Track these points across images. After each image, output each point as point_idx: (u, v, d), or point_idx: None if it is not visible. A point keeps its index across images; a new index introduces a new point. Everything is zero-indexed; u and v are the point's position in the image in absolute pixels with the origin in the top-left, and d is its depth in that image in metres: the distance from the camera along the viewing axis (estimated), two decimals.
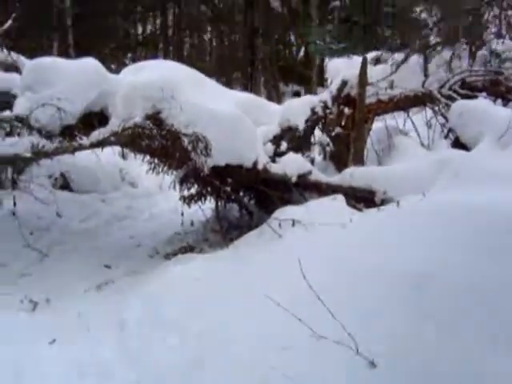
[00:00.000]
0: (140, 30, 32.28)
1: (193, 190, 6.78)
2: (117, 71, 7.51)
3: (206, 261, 5.34)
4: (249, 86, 17.07)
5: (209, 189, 6.73)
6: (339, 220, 4.99)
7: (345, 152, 7.28)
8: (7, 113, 5.84)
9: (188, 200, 6.85)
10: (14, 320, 4.86)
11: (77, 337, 4.47)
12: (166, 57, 25.60)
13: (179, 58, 22.52)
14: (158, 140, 5.77)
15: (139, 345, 4.15)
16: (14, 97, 6.13)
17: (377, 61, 7.61)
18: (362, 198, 6.42)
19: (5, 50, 8.60)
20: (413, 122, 8.25)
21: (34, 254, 6.56)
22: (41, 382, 3.79)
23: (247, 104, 6.89)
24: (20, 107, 5.77)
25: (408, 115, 8.32)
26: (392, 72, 7.80)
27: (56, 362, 4.10)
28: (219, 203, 6.92)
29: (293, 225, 5.27)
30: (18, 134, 5.81)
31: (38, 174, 8.44)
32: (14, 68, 8.15)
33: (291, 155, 6.67)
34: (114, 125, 5.84)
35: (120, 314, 4.66)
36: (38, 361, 4.10)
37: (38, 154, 5.77)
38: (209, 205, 7.17)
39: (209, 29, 33.05)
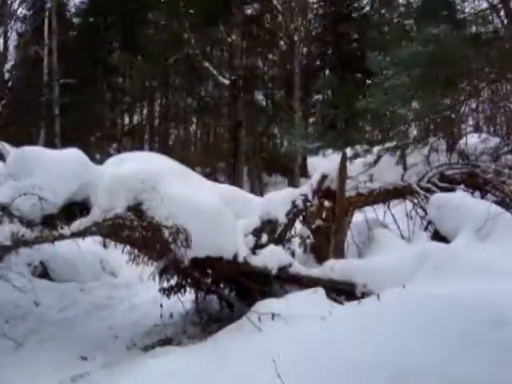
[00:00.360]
0: (126, 119, 32.83)
1: (172, 282, 6.74)
2: (101, 161, 7.60)
3: (184, 354, 5.26)
4: (232, 176, 17.27)
5: (189, 280, 6.70)
6: (319, 313, 4.98)
7: (325, 244, 7.31)
8: None
9: (167, 291, 6.81)
10: None
11: None
12: (151, 147, 26.00)
13: (164, 148, 22.85)
14: (139, 231, 5.79)
15: None
16: None
17: (355, 155, 7.76)
18: (342, 291, 6.40)
19: None
20: (392, 215, 8.36)
21: (9, 343, 6.41)
22: None
23: (229, 196, 6.97)
24: (2, 195, 5.79)
25: (388, 207, 8.43)
26: (371, 166, 7.95)
27: None
28: (199, 295, 6.89)
29: (272, 318, 5.23)
30: None
31: (16, 262, 8.34)
32: None
33: (272, 247, 6.69)
34: (96, 215, 5.87)
35: None
36: None
37: (18, 243, 5.75)
38: (189, 296, 7.11)
39: (194, 120, 33.71)
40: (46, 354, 6.29)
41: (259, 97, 28.72)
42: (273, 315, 5.25)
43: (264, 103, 29.26)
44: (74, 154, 6.30)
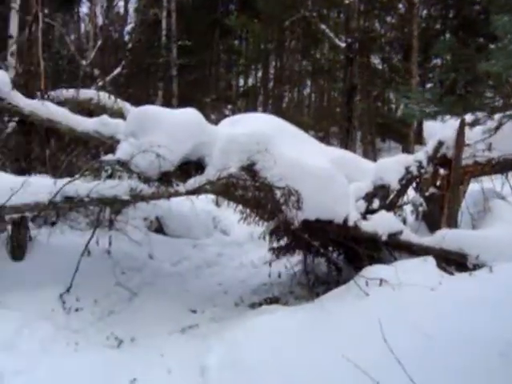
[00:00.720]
0: (241, 81, 33.12)
1: (282, 242, 6.83)
2: (216, 121, 7.73)
3: (290, 313, 5.32)
4: (345, 141, 17.05)
5: (298, 242, 6.76)
6: (428, 282, 4.88)
7: (438, 213, 7.11)
8: (110, 156, 6.12)
9: (277, 252, 6.91)
10: (98, 356, 5.02)
11: (157, 378, 4.55)
12: (264, 109, 26.09)
13: (278, 110, 22.87)
14: (252, 191, 5.89)
15: None
16: (118, 142, 6.42)
17: (474, 122, 7.42)
18: (453, 261, 6.24)
19: (112, 97, 9.06)
20: (511, 186, 8.00)
21: (124, 293, 6.75)
22: None
23: (341, 160, 6.91)
24: (122, 152, 6.03)
25: (506, 178, 8.06)
26: (490, 134, 7.60)
27: None
28: (307, 257, 6.92)
29: (380, 284, 5.19)
30: (119, 177, 6.05)
31: (134, 216, 8.75)
32: (119, 114, 8.56)
33: (383, 213, 6.60)
34: (210, 174, 6.00)
35: (202, 359, 4.72)
36: None
37: (136, 198, 6.00)
38: (297, 258, 7.19)
39: (308, 83, 33.52)
40: (158, 305, 6.61)
41: (375, 60, 28.04)
42: (380, 281, 5.20)
43: (380, 67, 28.58)
44: (190, 114, 6.42)
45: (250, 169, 5.96)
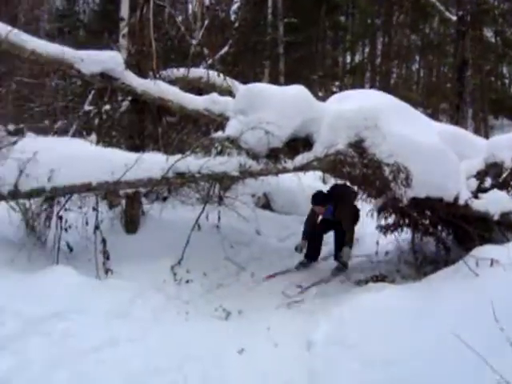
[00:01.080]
0: (348, 58, 32.74)
1: (390, 220, 6.76)
2: (324, 98, 7.72)
3: (398, 291, 5.28)
4: (455, 117, 16.52)
5: (406, 220, 6.69)
6: None
7: None
8: (220, 133, 6.26)
9: (384, 229, 6.87)
10: (207, 326, 5.20)
11: (264, 350, 4.65)
12: (372, 86, 25.73)
13: (385, 87, 22.48)
14: (359, 168, 5.85)
15: (324, 366, 4.21)
16: (227, 119, 6.55)
17: None
18: None
19: (221, 75, 9.22)
20: None
21: (232, 267, 6.92)
22: None
23: (452, 136, 6.72)
24: (231, 129, 6.16)
25: None
26: None
27: (242, 372, 4.30)
28: (416, 235, 6.82)
29: (491, 265, 5.04)
30: (228, 154, 6.18)
31: (242, 192, 8.91)
32: (228, 92, 8.71)
33: (495, 192, 6.39)
34: (318, 150, 6.02)
35: (307, 334, 4.77)
36: (225, 368, 4.32)
37: (245, 174, 6.12)
38: (405, 236, 7.10)
39: (417, 58, 32.66)
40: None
41: (488, 33, 26.92)
42: (491, 261, 5.06)
43: (493, 40, 27.41)
44: (298, 91, 6.45)
45: (357, 145, 5.92)
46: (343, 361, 4.16)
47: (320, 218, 7.71)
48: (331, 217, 7.45)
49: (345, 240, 7.06)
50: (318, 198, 7.49)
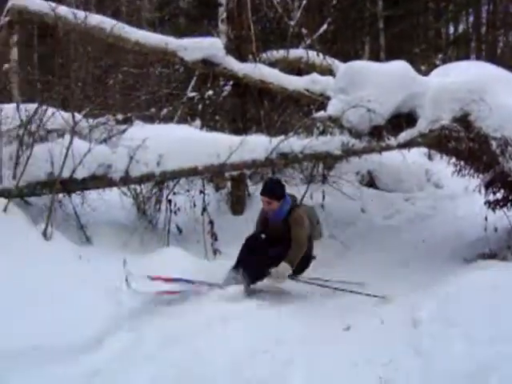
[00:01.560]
0: (451, 29, 31.64)
1: (499, 195, 6.57)
2: (426, 73, 7.57)
3: (508, 269, 5.14)
4: None
5: None
6: None
7: None
8: (321, 113, 6.29)
9: (493, 205, 6.66)
10: (311, 302, 5.30)
11: (371, 326, 4.66)
12: (478, 57, 24.80)
13: (492, 57, 21.61)
14: (465, 142, 5.73)
15: (430, 344, 4.17)
16: (328, 98, 6.57)
17: None
18: None
19: (320, 54, 9.21)
20: None
21: (337, 246, 6.95)
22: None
23: None
24: (333, 108, 6.18)
25: None
26: None
27: (350, 349, 4.31)
28: None
29: None
30: (330, 133, 6.20)
31: (346, 171, 8.91)
32: (328, 71, 8.70)
33: None
34: (421, 126, 5.94)
35: (414, 312, 4.74)
36: (332, 345, 4.35)
37: (348, 152, 6.15)
38: None
39: None
40: (371, 258, 6.78)
41: None
42: None
43: None
44: (399, 66, 6.37)
45: (463, 119, 5.80)
46: (449, 339, 4.10)
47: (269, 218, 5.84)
48: (281, 225, 5.61)
49: (289, 254, 5.40)
50: (269, 187, 5.72)
